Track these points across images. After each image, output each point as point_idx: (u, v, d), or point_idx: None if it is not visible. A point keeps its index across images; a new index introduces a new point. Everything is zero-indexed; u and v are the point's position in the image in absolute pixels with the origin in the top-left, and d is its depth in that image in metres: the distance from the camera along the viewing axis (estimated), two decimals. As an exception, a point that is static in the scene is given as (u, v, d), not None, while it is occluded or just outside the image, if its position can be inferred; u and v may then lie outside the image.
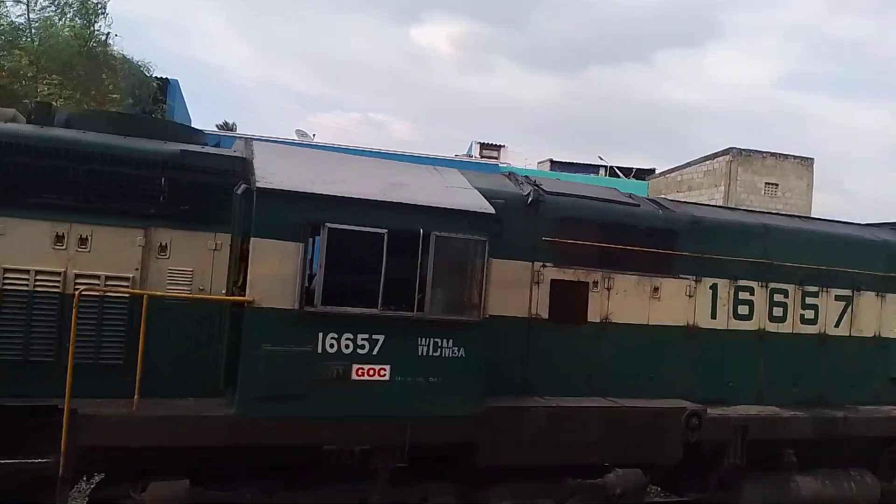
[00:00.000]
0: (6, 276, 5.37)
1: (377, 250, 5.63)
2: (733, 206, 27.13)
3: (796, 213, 12.79)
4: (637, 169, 39.08)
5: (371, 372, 5.67)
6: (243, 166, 5.95)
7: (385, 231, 5.66)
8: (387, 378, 5.69)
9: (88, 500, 5.79)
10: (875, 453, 8.16)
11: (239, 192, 5.77)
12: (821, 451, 7.67)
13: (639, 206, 7.39)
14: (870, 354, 8.27)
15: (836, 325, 8.04)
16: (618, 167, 38.80)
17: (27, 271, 5.43)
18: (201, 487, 5.48)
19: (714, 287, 7.46)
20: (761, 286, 7.67)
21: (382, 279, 5.66)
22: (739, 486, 7.25)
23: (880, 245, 8.60)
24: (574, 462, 6.52)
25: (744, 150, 33.02)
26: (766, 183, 33.01)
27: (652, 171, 38.58)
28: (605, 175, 37.75)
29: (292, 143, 23.25)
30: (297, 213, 5.49)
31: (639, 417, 6.72)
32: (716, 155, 33.60)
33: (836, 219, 8.92)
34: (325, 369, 5.54)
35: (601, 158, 38.99)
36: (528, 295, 6.61)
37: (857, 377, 8.22)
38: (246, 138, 6.61)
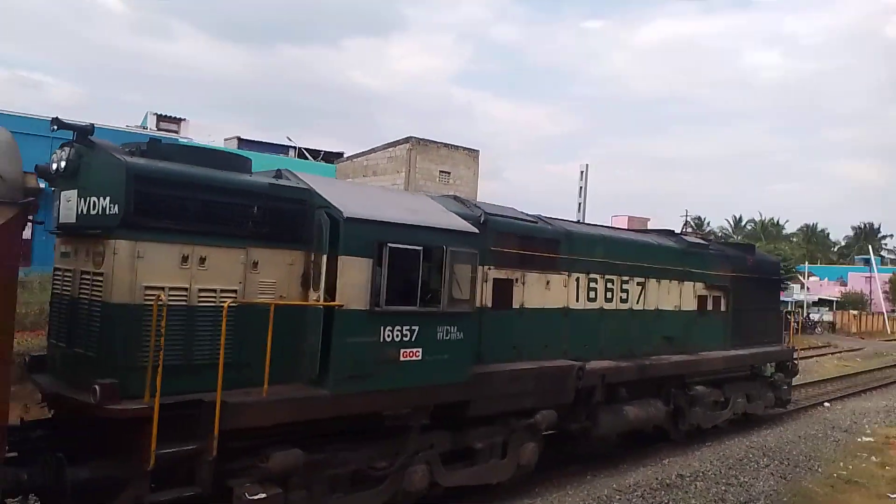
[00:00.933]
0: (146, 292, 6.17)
1: (417, 262, 7.62)
2: (413, 190, 30.53)
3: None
4: (326, 152, 39.98)
5: (411, 354, 7.63)
6: (310, 196, 7.35)
7: (421, 248, 7.67)
8: (420, 358, 7.68)
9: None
10: (661, 387, 12.26)
11: (322, 219, 7.18)
12: (635, 388, 11.46)
13: (537, 222, 10.27)
14: (654, 321, 12.25)
15: (637, 303, 11.86)
16: (307, 149, 39.26)
17: (161, 288, 6.24)
18: (307, 452, 6.87)
19: (577, 279, 10.61)
20: (601, 278, 11.10)
21: (420, 283, 7.65)
22: (598, 416, 10.70)
23: (659, 246, 12.74)
24: (518, 408, 9.19)
25: (422, 139, 34.74)
26: (440, 171, 34.87)
27: (340, 154, 39.65)
28: (295, 157, 37.96)
29: None
30: (371, 235, 7.26)
31: (552, 373, 9.67)
32: (397, 143, 35.09)
33: (621, 227, 13.24)
34: (385, 353, 7.37)
35: (290, 139, 39.48)
36: (481, 290, 8.93)
37: (647, 336, 12.08)
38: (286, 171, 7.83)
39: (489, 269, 9.16)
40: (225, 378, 6.23)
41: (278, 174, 7.68)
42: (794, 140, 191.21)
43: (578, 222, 13.25)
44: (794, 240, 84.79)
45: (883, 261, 76.60)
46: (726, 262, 14.57)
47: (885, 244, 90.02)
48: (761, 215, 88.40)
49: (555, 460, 10.91)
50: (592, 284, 10.93)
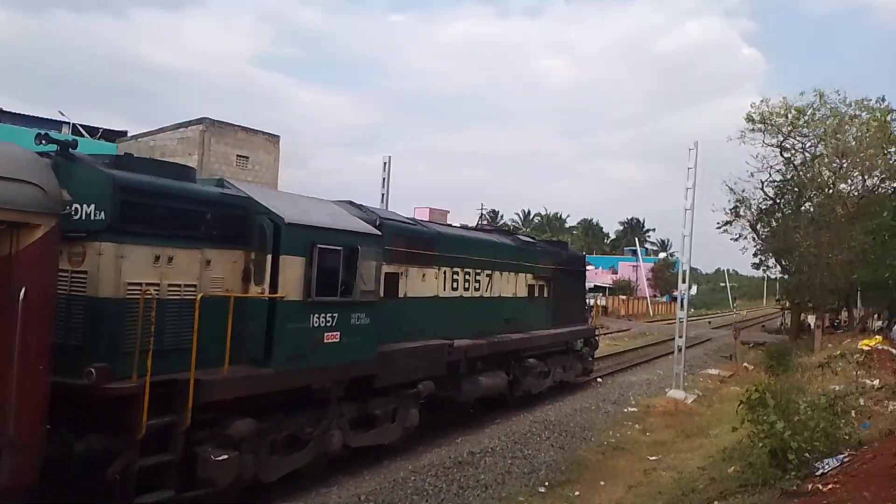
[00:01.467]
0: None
1: (337, 260, 9.18)
2: (209, 176, 29.14)
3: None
4: (106, 130, 36.70)
5: (333, 336, 9.18)
6: (250, 204, 8.54)
7: (341, 248, 9.26)
8: (339, 340, 9.25)
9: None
10: (503, 361, 14.64)
11: (265, 224, 8.40)
12: (486, 361, 13.71)
13: (417, 225, 12.15)
14: (497, 306, 14.58)
15: (486, 291, 14.19)
16: (83, 125, 35.76)
17: (139, 283, 7.26)
18: (256, 420, 8.17)
19: (444, 272, 12.62)
20: (462, 271, 13.24)
21: (340, 278, 9.21)
22: (461, 385, 12.89)
23: (501, 245, 15.32)
24: (407, 380, 11.05)
25: (217, 121, 32.72)
26: (237, 155, 33.20)
27: (124, 133, 36.76)
28: (69, 133, 33.69)
29: None
30: (305, 238, 8.69)
31: (432, 350, 11.72)
32: (190, 123, 32.65)
33: (470, 224, 15.32)
34: (314, 337, 8.87)
35: (62, 114, 36.00)
36: (379, 282, 10.64)
37: (493, 319, 14.28)
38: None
39: (384, 264, 10.63)
40: (185, 360, 7.36)
41: (220, 183, 8.80)
42: (574, 141, 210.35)
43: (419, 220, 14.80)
44: (575, 232, 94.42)
45: (647, 252, 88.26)
46: (548, 257, 17.45)
47: (649, 237, 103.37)
48: (546, 210, 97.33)
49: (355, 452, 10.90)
50: (455, 276, 13.16)
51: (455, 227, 15.19)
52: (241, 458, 8.07)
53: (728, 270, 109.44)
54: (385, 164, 20.50)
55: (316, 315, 8.91)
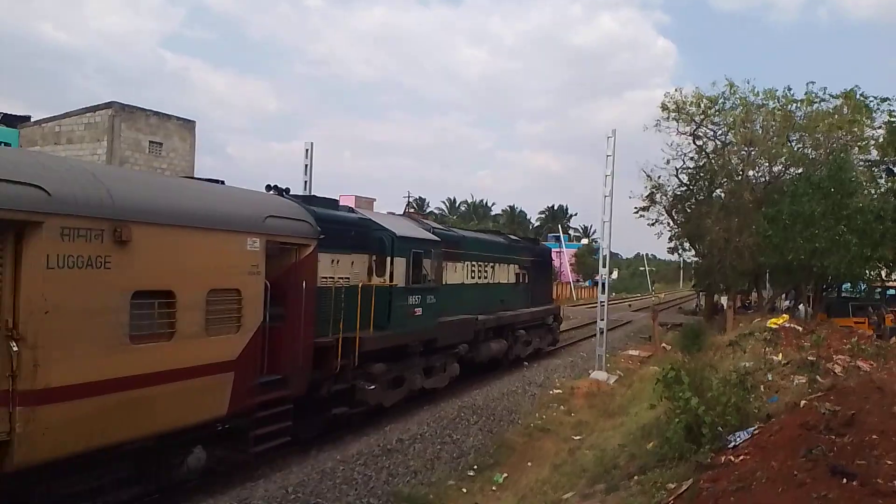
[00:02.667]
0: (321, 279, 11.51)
1: (420, 260, 14.33)
2: (118, 163, 28.39)
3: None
4: (6, 115, 34.86)
5: (417, 311, 14.33)
6: (369, 223, 13.46)
7: (422, 251, 14.51)
8: (420, 313, 14.42)
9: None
10: (508, 332, 20.55)
11: (384, 237, 13.51)
12: (492, 332, 19.14)
13: (451, 231, 18.73)
14: (496, 290, 19.95)
15: (490, 279, 19.57)
16: None
17: (326, 277, 11.80)
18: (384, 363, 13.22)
19: (466, 265, 17.99)
20: (476, 264, 18.45)
21: (422, 271, 14.36)
22: (479, 347, 18.31)
23: (499, 243, 21.12)
24: (452, 342, 16.45)
25: (127, 105, 31.49)
26: (150, 142, 32.26)
27: (27, 118, 34.95)
28: None
29: None
30: (407, 245, 13.91)
31: (467, 322, 17.26)
32: (98, 108, 31.22)
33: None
34: (410, 311, 14.01)
35: None
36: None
37: (495, 300, 19.67)
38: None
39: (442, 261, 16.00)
40: (350, 326, 12.04)
41: (352, 210, 13.76)
42: (495, 131, 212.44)
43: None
44: (501, 220, 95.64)
45: (570, 238, 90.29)
46: (527, 251, 23.25)
47: (571, 224, 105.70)
48: (472, 197, 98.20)
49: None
50: (472, 268, 18.60)
51: (470, 230, 21.97)
52: (378, 389, 13.14)
53: (647, 255, 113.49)
54: (307, 150, 20.18)
55: (410, 296, 14.09)
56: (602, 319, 21.85)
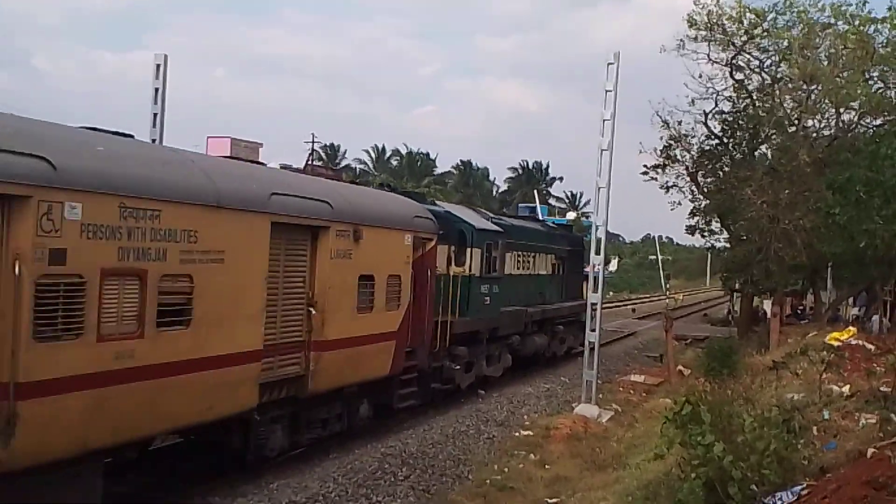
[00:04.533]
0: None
1: (491, 250, 22.66)
2: None
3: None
4: None
5: (488, 300, 22.72)
6: (450, 216, 21.43)
7: (492, 242, 22.90)
8: (489, 302, 22.84)
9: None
10: (548, 326, 28.91)
11: (465, 229, 21.63)
12: (536, 325, 27.45)
13: (499, 219, 26.06)
14: (537, 282, 27.83)
15: (532, 269, 27.19)
16: None
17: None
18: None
19: (513, 255, 24.97)
20: (521, 254, 26.03)
21: (492, 262, 22.65)
22: (526, 340, 26.42)
23: (539, 231, 29.91)
24: (508, 332, 24.79)
25: None
26: None
27: None
28: None
29: None
30: (483, 237, 22.31)
31: (518, 313, 25.37)
32: None
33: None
34: (483, 298, 22.32)
35: None
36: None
37: (535, 292, 27.33)
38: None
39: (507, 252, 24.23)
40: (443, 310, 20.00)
41: (433, 202, 22.17)
42: (443, 47, 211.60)
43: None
44: (450, 182, 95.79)
45: (550, 210, 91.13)
46: (562, 239, 30.67)
47: (551, 191, 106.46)
48: (407, 147, 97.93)
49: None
50: (518, 258, 25.67)
51: (514, 217, 30.16)
52: (461, 370, 21.41)
53: (660, 238, 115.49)
54: (159, 66, 19.79)
55: (483, 285, 21.96)
56: (593, 330, 22.13)
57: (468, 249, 21.24)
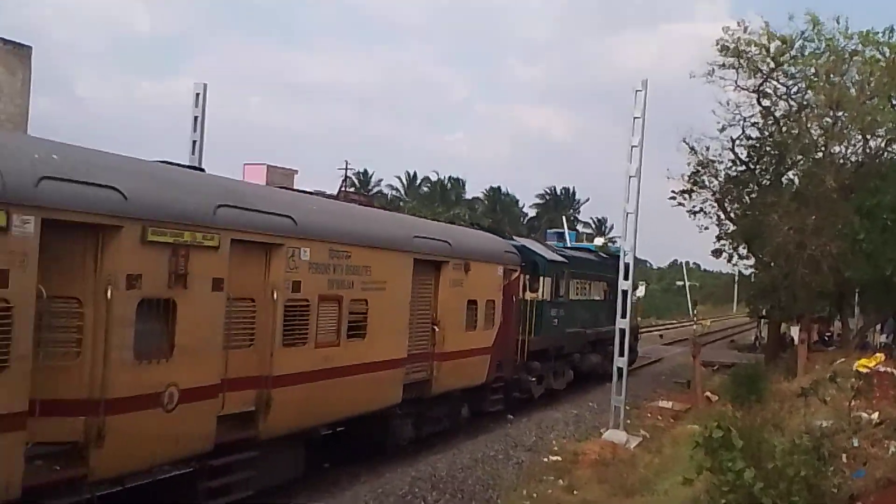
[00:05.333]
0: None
1: (557, 279, 26.76)
2: None
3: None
4: None
5: (556, 321, 26.76)
6: (524, 249, 24.61)
7: (559, 272, 27.04)
8: (556, 323, 26.74)
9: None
10: (601, 346, 30.02)
11: (538, 260, 25.54)
12: (592, 345, 30.46)
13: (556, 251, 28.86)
14: (591, 306, 30.62)
15: (586, 296, 30.27)
16: None
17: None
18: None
19: (574, 283, 28.71)
20: (579, 281, 29.42)
21: (558, 288, 27.14)
22: (584, 358, 29.86)
23: (594, 260, 32.80)
24: (573, 350, 28.77)
25: None
26: None
27: None
28: None
29: None
30: (552, 267, 26.32)
31: (579, 334, 28.87)
32: None
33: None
34: (552, 320, 26.25)
35: None
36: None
37: (588, 316, 29.96)
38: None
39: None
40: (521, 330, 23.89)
41: (511, 237, 26.32)
42: (473, 73, 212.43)
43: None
44: (479, 208, 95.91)
45: (579, 236, 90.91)
46: (610, 267, 29.13)
47: (578, 216, 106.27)
48: (438, 175, 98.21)
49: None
50: (577, 285, 28.74)
51: (573, 248, 32.53)
52: (535, 382, 25.56)
53: (687, 264, 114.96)
54: (198, 95, 20.05)
55: (552, 309, 25.77)
56: (621, 356, 22.07)
57: (540, 278, 25.10)
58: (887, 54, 31.26)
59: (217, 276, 11.26)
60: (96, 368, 9.47)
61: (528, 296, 24.18)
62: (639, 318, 38.93)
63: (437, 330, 17.97)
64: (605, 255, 34.00)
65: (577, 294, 28.94)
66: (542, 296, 25.15)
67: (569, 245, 35.88)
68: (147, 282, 10.09)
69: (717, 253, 38.66)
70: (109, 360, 9.53)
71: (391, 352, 16.05)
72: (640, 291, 62.36)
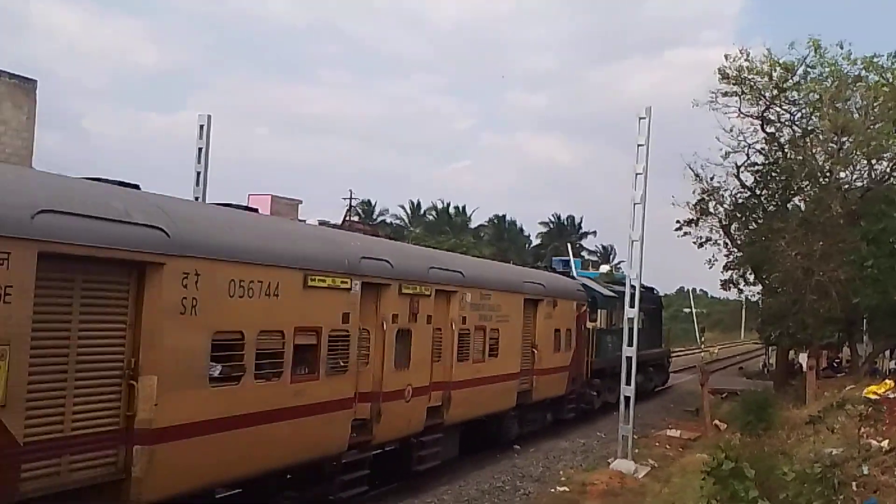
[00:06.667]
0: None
1: (610, 311, 31.05)
2: None
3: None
4: None
5: (610, 346, 29.98)
6: (585, 286, 29.81)
7: (613, 305, 30.35)
8: (610, 347, 30.05)
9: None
10: (642, 367, 29.61)
11: (597, 297, 30.24)
12: (643, 368, 31.15)
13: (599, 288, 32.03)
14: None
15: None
16: None
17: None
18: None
19: (607, 312, 31.12)
20: (611, 310, 30.89)
21: (611, 318, 30.90)
22: (649, 375, 35.88)
23: (644, 295, 28.69)
24: (619, 371, 23.72)
25: None
26: None
27: None
28: None
29: None
30: (606, 301, 30.95)
31: (644, 355, 28.57)
32: None
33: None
34: (607, 346, 30.33)
35: None
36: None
37: (644, 341, 29.07)
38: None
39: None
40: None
41: (572, 276, 30.84)
42: (477, 103, 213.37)
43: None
44: (484, 235, 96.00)
45: (584, 264, 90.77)
46: (649, 300, 34.91)
47: (583, 244, 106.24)
48: (443, 203, 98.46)
49: None
50: (613, 314, 30.59)
51: (612, 285, 32.87)
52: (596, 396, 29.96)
53: (694, 291, 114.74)
54: (202, 127, 20.10)
55: (607, 336, 30.38)
56: (629, 384, 22.00)
57: (598, 310, 29.75)
58: (891, 79, 31.35)
59: (429, 314, 16.91)
60: (377, 372, 14.99)
61: (590, 324, 28.32)
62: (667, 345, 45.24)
63: (535, 352, 23.28)
64: (644, 288, 35.99)
65: (620, 322, 31.47)
66: (600, 324, 30.05)
67: (574, 273, 36.23)
68: (400, 318, 15.71)
69: (726, 284, 38.77)
70: (384, 368, 15.14)
71: (512, 367, 21.61)
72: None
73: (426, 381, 16.86)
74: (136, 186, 11.15)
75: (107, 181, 10.56)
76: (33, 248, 8.41)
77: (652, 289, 44.18)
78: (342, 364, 13.58)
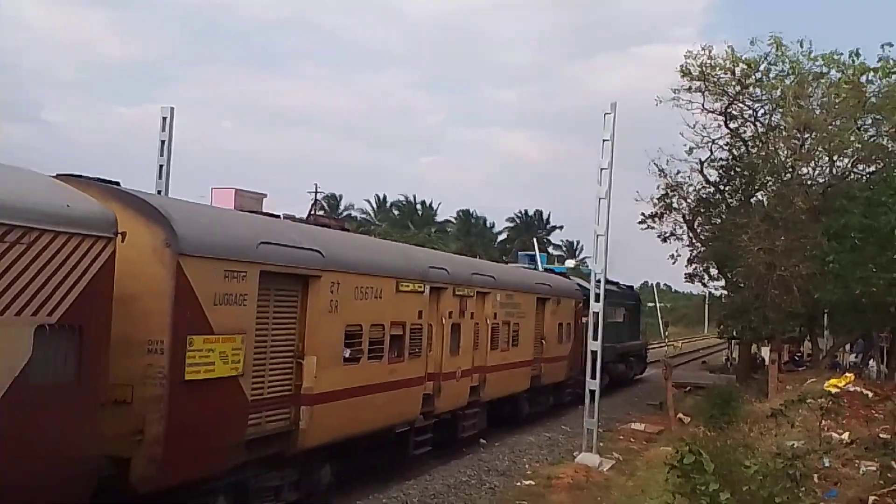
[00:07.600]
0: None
1: (614, 306, 35.89)
2: None
3: None
4: None
5: (616, 337, 35.78)
6: (580, 285, 32.08)
7: (623, 303, 41.18)
8: (618, 338, 37.62)
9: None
10: (624, 358, 39.14)
11: (588, 294, 24.90)
12: (625, 358, 39.30)
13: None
14: (617, 326, 36.33)
15: (613, 318, 33.58)
16: None
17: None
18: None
19: (607, 308, 24.46)
20: (608, 307, 25.69)
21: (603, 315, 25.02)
22: (615, 366, 35.61)
23: (618, 292, 39.15)
24: (608, 360, 27.72)
25: None
26: None
27: None
28: None
29: None
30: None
31: (611, 347, 31.59)
32: None
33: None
34: (615, 334, 36.33)
35: None
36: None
37: (614, 333, 33.89)
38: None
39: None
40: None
41: (567, 276, 35.67)
42: (449, 97, 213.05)
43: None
44: (450, 230, 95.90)
45: (550, 258, 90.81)
46: (629, 297, 43.28)
47: (549, 239, 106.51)
48: (411, 198, 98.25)
49: None
50: (608, 310, 26.42)
51: (611, 283, 33.10)
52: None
53: (658, 285, 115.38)
54: (165, 119, 19.85)
55: (613, 326, 33.58)
56: (593, 378, 22.10)
57: (591, 303, 30.59)
58: (852, 76, 31.66)
59: (472, 311, 21.01)
60: (437, 358, 19.06)
61: (583, 320, 29.05)
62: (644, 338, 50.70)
63: (543, 343, 27.34)
64: (623, 287, 43.08)
65: (611, 318, 32.23)
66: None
67: (539, 268, 36.30)
68: (453, 314, 19.82)
69: (691, 277, 39.06)
70: (442, 354, 19.28)
71: (527, 356, 25.72)
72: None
73: (470, 365, 20.88)
74: (117, 183, 11.89)
75: (86, 178, 11.37)
76: (257, 268, 12.14)
77: (631, 287, 49.23)
78: (417, 350, 17.84)
